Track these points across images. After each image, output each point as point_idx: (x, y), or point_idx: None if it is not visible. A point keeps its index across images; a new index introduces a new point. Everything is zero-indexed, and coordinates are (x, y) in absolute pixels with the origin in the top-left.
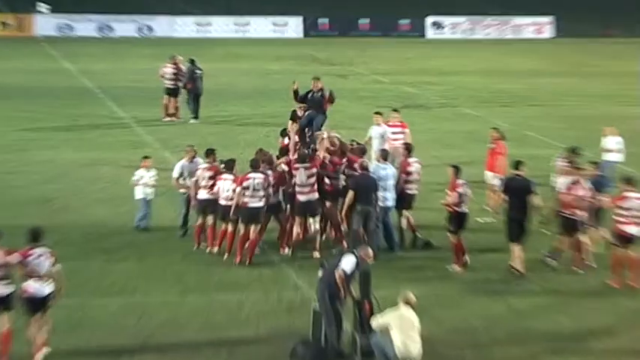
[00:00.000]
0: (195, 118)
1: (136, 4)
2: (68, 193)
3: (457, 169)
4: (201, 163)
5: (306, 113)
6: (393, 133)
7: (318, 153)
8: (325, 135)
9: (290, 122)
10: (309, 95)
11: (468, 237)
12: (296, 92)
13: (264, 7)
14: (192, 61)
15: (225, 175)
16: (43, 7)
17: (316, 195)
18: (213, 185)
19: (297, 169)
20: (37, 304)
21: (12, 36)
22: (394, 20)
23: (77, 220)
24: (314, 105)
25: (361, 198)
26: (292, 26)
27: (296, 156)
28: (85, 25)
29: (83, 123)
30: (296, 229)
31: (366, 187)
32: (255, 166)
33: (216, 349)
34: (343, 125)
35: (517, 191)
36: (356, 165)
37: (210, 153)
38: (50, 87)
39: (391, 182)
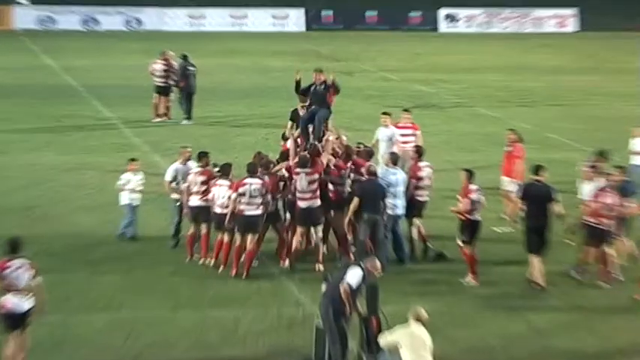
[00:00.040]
0: (188, 118)
1: None
2: (50, 200)
3: (470, 174)
4: (194, 167)
5: (310, 109)
6: (404, 135)
7: (321, 157)
8: (332, 137)
9: (289, 123)
10: (312, 89)
11: (484, 248)
12: (298, 83)
13: None
14: (184, 57)
15: (220, 181)
16: None
17: (318, 202)
18: (205, 191)
19: (297, 174)
20: (16, 320)
21: None
22: (404, 12)
23: (60, 230)
24: (316, 99)
25: (368, 205)
26: (293, 19)
27: (296, 160)
28: (68, 18)
29: (66, 124)
30: (297, 239)
31: (373, 193)
32: (252, 171)
33: None
34: (348, 126)
35: (536, 198)
36: (363, 169)
37: (203, 156)
38: (30, 85)
39: (401, 188)
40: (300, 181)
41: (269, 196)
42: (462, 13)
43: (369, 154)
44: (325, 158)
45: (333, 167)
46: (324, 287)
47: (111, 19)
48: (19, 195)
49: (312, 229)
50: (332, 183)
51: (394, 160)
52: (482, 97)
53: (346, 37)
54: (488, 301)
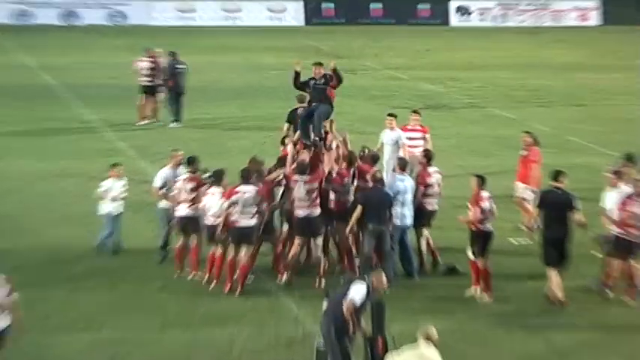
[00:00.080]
0: (177, 121)
1: None
2: (26, 211)
3: (482, 180)
4: (183, 173)
5: (309, 107)
6: (412, 138)
7: (323, 164)
8: (335, 144)
9: (286, 125)
10: (311, 83)
11: (499, 261)
12: (297, 75)
13: None
14: (172, 54)
15: (212, 189)
16: None
17: (318, 210)
18: (195, 199)
19: (295, 181)
20: None
21: None
22: (412, 5)
23: (37, 242)
24: (316, 95)
25: (372, 215)
26: (291, 12)
27: (294, 166)
28: (46, 12)
29: (44, 127)
30: (294, 250)
31: (378, 202)
32: (245, 178)
33: None
34: (351, 129)
35: (555, 207)
36: (368, 176)
37: (192, 161)
38: (4, 85)
39: (410, 196)
40: (298, 189)
41: (264, 205)
42: (474, 5)
43: (374, 158)
44: (328, 167)
45: (335, 175)
46: (325, 304)
47: (93, 13)
48: None
49: (312, 241)
50: (334, 192)
51: (402, 165)
52: (496, 97)
53: (349, 32)
54: (503, 319)
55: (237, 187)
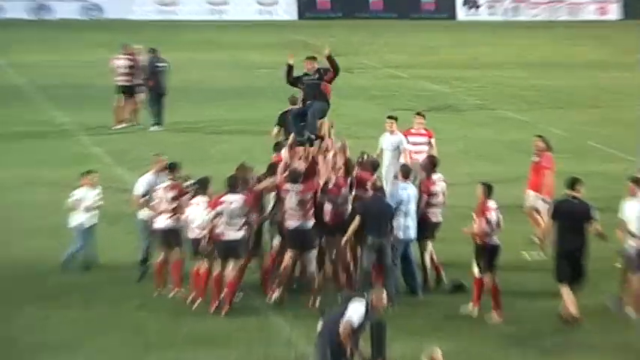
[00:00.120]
0: (158, 124)
1: None
2: None
3: (489, 188)
4: (165, 181)
5: (303, 105)
6: (416, 143)
7: (319, 175)
8: (331, 154)
9: (276, 129)
10: (304, 79)
11: (508, 277)
12: (290, 68)
13: None
14: (153, 51)
15: (197, 199)
16: None
17: (312, 221)
18: (176, 209)
19: (286, 191)
20: None
21: None
22: None
23: (5, 256)
24: (310, 91)
25: (372, 227)
26: (283, 5)
27: (286, 174)
28: (15, 5)
29: (12, 131)
30: (285, 263)
31: (379, 212)
32: (232, 186)
33: None
34: (348, 133)
35: (570, 217)
36: (369, 184)
37: (173, 168)
38: None
39: (413, 206)
40: (290, 199)
41: (253, 216)
42: None
43: (374, 165)
44: (324, 177)
45: (332, 186)
46: (320, 324)
47: (66, 7)
48: None
49: (305, 255)
50: (330, 202)
51: (406, 173)
52: (506, 98)
53: (346, 27)
54: (513, 340)
55: (222, 196)
